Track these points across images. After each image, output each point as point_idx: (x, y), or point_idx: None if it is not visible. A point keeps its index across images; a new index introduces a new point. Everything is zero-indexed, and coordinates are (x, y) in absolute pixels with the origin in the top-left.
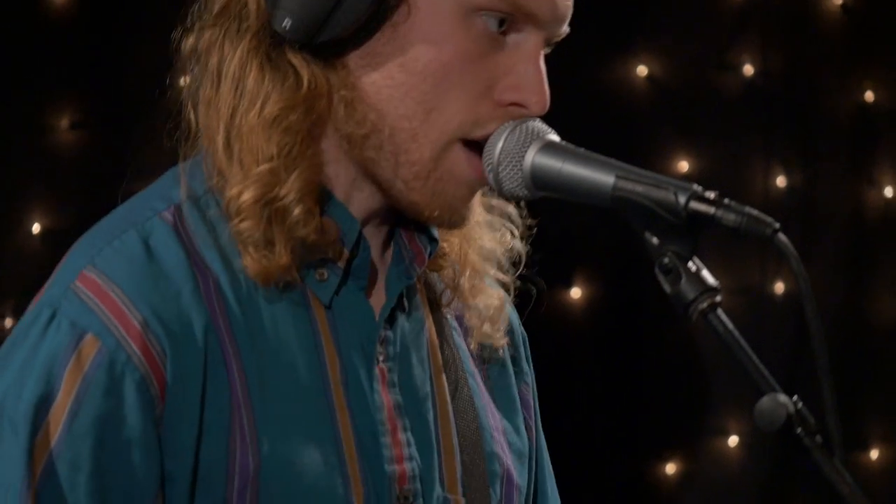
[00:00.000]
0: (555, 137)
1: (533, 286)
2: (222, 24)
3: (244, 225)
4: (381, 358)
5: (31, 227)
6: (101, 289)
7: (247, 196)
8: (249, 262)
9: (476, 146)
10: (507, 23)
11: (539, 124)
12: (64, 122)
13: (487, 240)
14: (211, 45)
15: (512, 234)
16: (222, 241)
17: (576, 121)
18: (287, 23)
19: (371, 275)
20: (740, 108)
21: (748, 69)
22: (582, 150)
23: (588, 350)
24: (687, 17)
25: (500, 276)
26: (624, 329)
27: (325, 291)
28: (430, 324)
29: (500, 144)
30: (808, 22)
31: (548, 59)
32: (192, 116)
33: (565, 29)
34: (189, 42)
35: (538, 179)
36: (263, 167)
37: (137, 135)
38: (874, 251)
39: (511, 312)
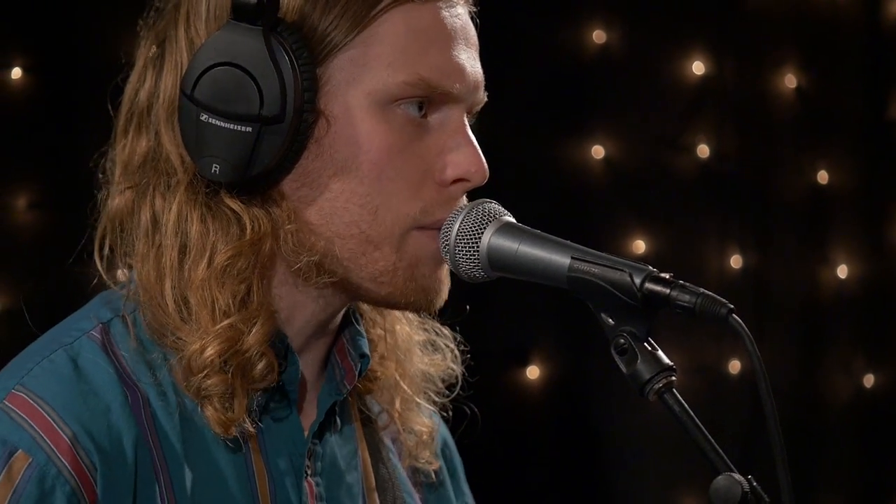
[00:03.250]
0: (511, 219)
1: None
2: (146, 183)
3: (209, 382)
4: (309, 472)
5: None
6: (30, 406)
7: (210, 352)
8: (211, 413)
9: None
10: (426, 105)
11: (495, 206)
12: (21, 203)
13: (423, 363)
14: (137, 203)
15: (452, 353)
16: (150, 357)
17: (532, 201)
18: (216, 168)
19: (304, 390)
20: (695, 189)
21: (703, 150)
22: (538, 231)
23: (544, 429)
24: (642, 98)
25: (433, 400)
26: (580, 408)
27: (256, 398)
28: (362, 442)
29: (456, 226)
30: (762, 104)
31: (504, 139)
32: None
33: (482, 96)
34: (115, 202)
35: (495, 260)
36: (224, 322)
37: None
38: (827, 330)
39: (447, 435)
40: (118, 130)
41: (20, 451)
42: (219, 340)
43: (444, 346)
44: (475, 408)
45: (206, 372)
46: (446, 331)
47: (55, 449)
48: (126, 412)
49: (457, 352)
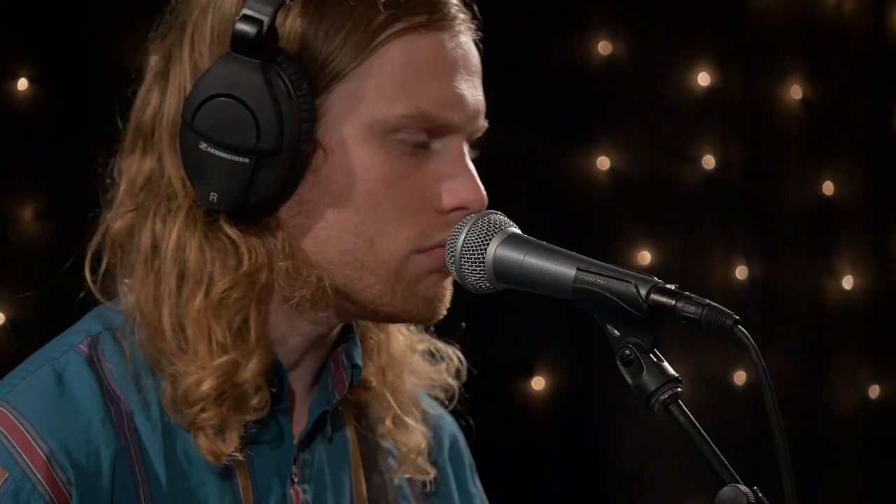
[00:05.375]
0: (516, 230)
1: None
2: (146, 205)
3: (204, 416)
4: (296, 479)
5: None
6: (10, 422)
7: (206, 387)
8: (204, 443)
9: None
10: (427, 135)
11: (501, 217)
12: (27, 213)
13: (423, 373)
14: (138, 225)
15: (459, 361)
16: (137, 371)
17: (538, 212)
18: (213, 197)
19: (297, 400)
20: (701, 200)
21: (709, 161)
22: (544, 242)
23: (549, 440)
24: (648, 109)
25: (426, 411)
26: (585, 419)
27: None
28: (355, 451)
29: (462, 238)
30: (767, 115)
31: (510, 150)
32: (123, 293)
33: (482, 124)
34: (116, 224)
35: (500, 272)
36: (222, 359)
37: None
38: (833, 341)
39: (456, 434)
40: (126, 145)
41: None
42: (215, 375)
43: (449, 354)
44: (471, 420)
45: (202, 405)
46: (440, 344)
47: (31, 465)
48: (107, 426)
49: (461, 359)
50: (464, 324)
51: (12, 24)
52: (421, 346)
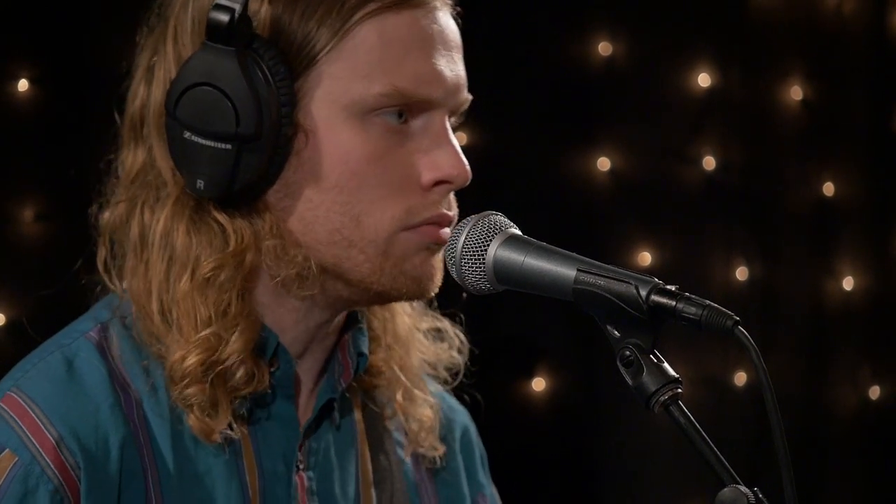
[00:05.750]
0: (516, 231)
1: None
2: (136, 196)
3: (190, 391)
4: (301, 466)
5: None
6: (21, 407)
7: (191, 361)
8: (193, 421)
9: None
10: (406, 112)
11: (501, 218)
12: (27, 214)
13: (427, 352)
14: (127, 216)
15: (460, 341)
16: (145, 359)
17: (538, 213)
18: (200, 184)
19: (305, 388)
20: (701, 201)
21: (709, 162)
22: (544, 244)
23: (549, 440)
24: (648, 110)
25: (435, 389)
26: (585, 420)
27: (245, 404)
28: (362, 437)
29: (462, 239)
30: (768, 116)
31: (510, 151)
32: (115, 284)
33: (464, 97)
34: (107, 216)
35: (500, 273)
36: (204, 332)
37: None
38: (833, 342)
39: (468, 424)
40: (123, 140)
41: (7, 450)
42: (199, 350)
43: (451, 335)
44: (479, 396)
45: (186, 381)
46: (445, 323)
47: (40, 449)
48: (116, 412)
49: (463, 339)
50: (465, 294)
51: (13, 24)
52: (425, 325)
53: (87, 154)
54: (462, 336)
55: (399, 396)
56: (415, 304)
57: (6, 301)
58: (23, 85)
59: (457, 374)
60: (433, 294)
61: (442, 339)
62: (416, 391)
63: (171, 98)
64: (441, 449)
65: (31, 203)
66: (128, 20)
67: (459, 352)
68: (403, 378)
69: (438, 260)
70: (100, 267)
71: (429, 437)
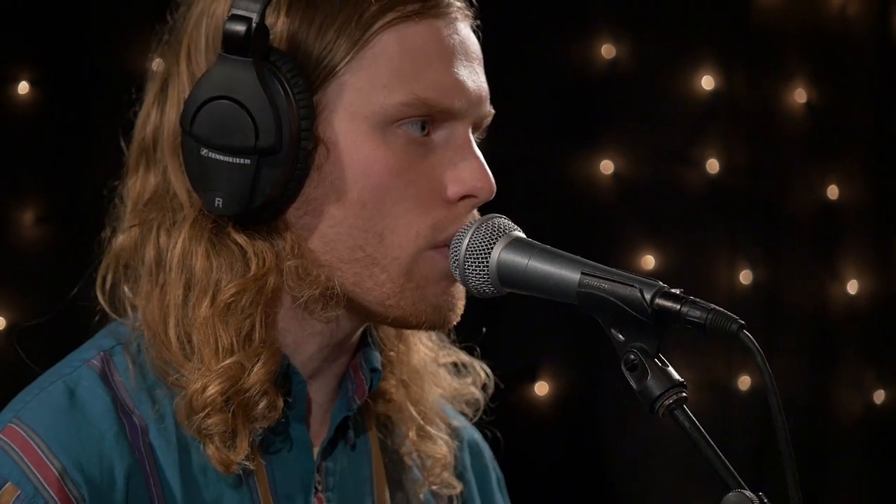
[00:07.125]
0: (520, 234)
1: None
2: (151, 220)
3: (211, 420)
4: (319, 488)
5: None
6: (23, 439)
7: (212, 391)
8: (213, 452)
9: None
10: (429, 123)
11: (505, 221)
12: (28, 217)
13: (448, 388)
14: (142, 240)
15: (485, 374)
16: (150, 383)
17: (541, 216)
18: (219, 202)
19: (318, 409)
20: (705, 204)
21: (713, 165)
22: (548, 246)
23: (553, 445)
24: (652, 113)
25: (451, 423)
26: (589, 424)
27: (259, 431)
28: (378, 465)
29: (466, 241)
30: (772, 119)
31: (513, 154)
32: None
33: (487, 110)
34: (119, 240)
35: (504, 276)
36: (227, 361)
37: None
38: (837, 346)
39: (482, 447)
40: (129, 166)
41: (9, 483)
42: (221, 379)
43: (476, 369)
44: (498, 433)
45: (207, 411)
46: (466, 357)
47: (43, 481)
48: (121, 441)
49: (488, 373)
50: (484, 329)
51: (13, 27)
52: (446, 359)
53: (88, 158)
54: (488, 370)
55: (412, 434)
56: (434, 336)
57: (6, 304)
58: (23, 87)
59: (478, 410)
60: (452, 325)
61: (465, 374)
62: (430, 428)
63: (187, 114)
64: (458, 487)
65: (32, 206)
66: (129, 24)
67: (484, 388)
68: (416, 415)
69: (460, 290)
70: (98, 293)
71: (444, 474)
